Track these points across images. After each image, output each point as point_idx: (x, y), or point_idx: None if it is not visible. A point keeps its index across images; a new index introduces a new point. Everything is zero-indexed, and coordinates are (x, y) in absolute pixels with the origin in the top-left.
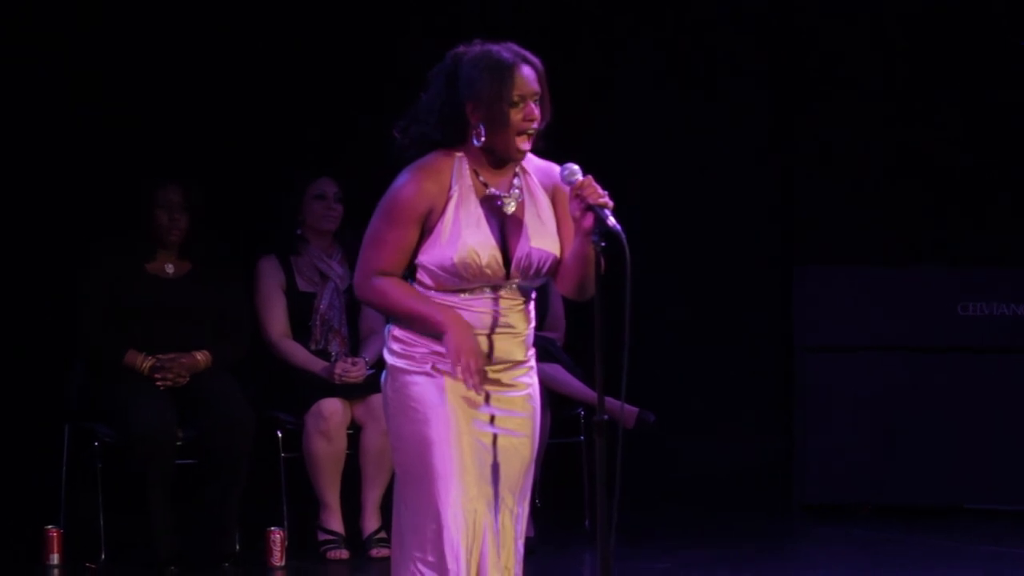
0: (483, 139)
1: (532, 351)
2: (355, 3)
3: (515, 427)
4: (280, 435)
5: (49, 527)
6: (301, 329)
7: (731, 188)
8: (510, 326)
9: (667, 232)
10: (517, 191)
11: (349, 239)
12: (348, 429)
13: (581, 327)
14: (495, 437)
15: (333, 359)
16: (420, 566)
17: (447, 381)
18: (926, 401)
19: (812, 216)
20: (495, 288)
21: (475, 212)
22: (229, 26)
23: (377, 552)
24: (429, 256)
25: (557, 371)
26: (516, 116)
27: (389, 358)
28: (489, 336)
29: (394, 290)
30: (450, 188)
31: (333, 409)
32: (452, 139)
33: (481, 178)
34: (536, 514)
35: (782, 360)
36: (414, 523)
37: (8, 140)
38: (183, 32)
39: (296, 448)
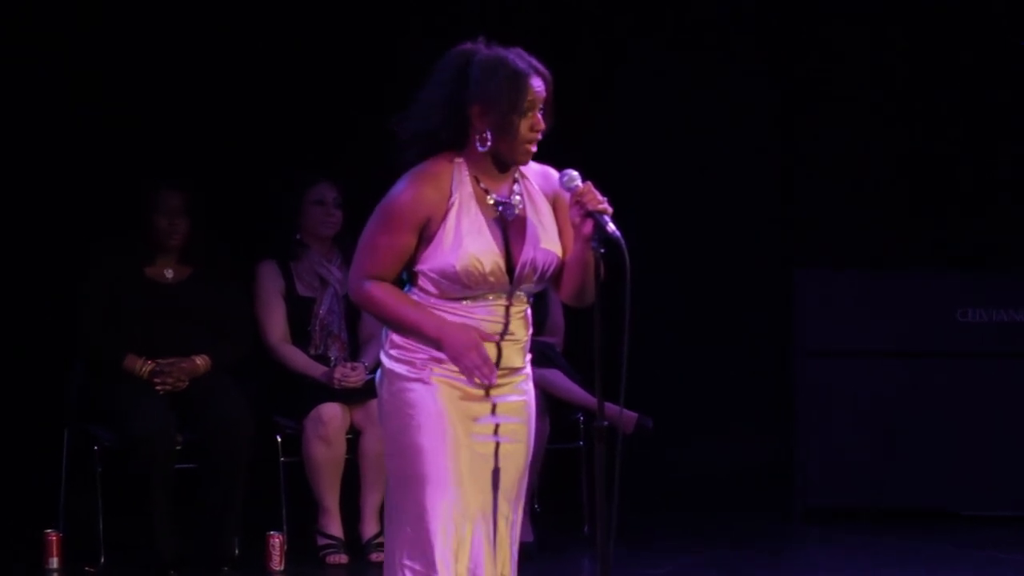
0: (488, 145)
1: (529, 357)
2: (355, 4)
3: (511, 434)
4: (280, 439)
5: (48, 530)
6: (300, 334)
7: (731, 190)
8: (511, 333)
9: (667, 234)
10: (518, 197)
11: (349, 244)
12: (347, 434)
13: (580, 333)
14: (497, 447)
15: (332, 364)
16: (408, 574)
17: (445, 389)
18: (925, 405)
19: (812, 218)
20: (497, 295)
21: (477, 219)
22: (229, 27)
23: (376, 556)
24: (431, 264)
25: (556, 376)
26: (524, 126)
27: (387, 362)
28: (491, 343)
29: (386, 297)
30: (450, 195)
31: (332, 414)
32: (453, 139)
33: (482, 184)
34: (535, 519)
35: (782, 363)
36: (403, 530)
37: (8, 140)
38: (183, 33)
39: (296, 452)
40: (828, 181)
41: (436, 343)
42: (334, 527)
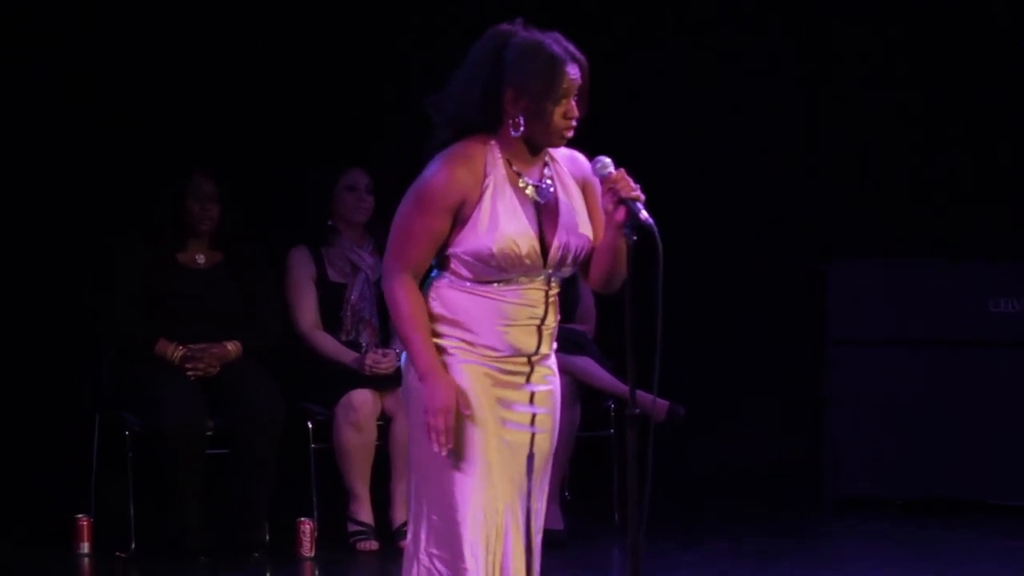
0: (521, 130)
1: (555, 344)
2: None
3: (540, 424)
4: (310, 426)
5: (80, 516)
6: (332, 320)
7: (762, 180)
8: (542, 318)
9: (699, 224)
10: (549, 180)
11: (380, 230)
12: (378, 420)
13: (612, 320)
14: (532, 437)
15: (364, 350)
16: (436, 562)
17: (474, 373)
18: (955, 395)
19: (843, 208)
20: (530, 279)
21: (511, 201)
22: (265, 14)
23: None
24: (465, 247)
25: (588, 364)
26: (558, 112)
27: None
28: (523, 330)
29: (407, 306)
30: (485, 177)
31: (363, 400)
32: (487, 122)
33: (514, 167)
34: (566, 507)
35: (812, 353)
36: (430, 518)
37: (39, 127)
38: (213, 22)
39: (326, 439)
40: (859, 171)
41: (419, 379)
42: (364, 513)
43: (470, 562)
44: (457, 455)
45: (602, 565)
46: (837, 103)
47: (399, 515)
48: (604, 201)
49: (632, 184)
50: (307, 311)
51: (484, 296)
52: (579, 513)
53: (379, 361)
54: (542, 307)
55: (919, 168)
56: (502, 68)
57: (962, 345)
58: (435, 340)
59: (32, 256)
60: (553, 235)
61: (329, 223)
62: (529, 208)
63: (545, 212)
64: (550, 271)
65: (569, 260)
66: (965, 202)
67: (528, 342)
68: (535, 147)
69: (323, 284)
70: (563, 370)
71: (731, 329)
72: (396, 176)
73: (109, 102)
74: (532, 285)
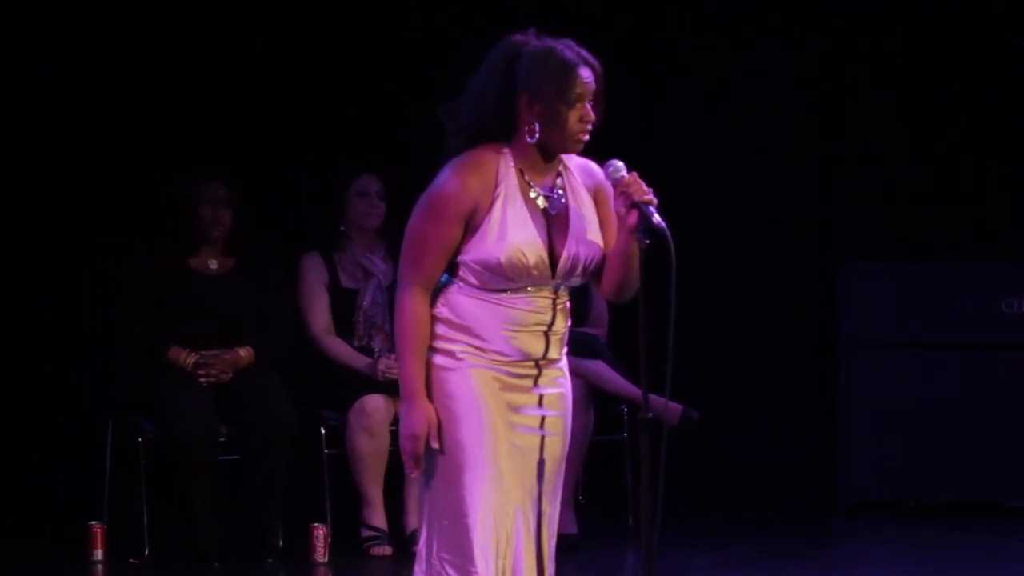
0: (537, 136)
1: (566, 349)
2: (381, 19)
3: (551, 427)
4: (323, 431)
5: (93, 523)
6: (344, 325)
7: (772, 183)
8: (551, 325)
9: (711, 228)
10: (561, 191)
11: (392, 235)
12: (391, 425)
13: (624, 324)
14: (543, 439)
15: (376, 355)
16: (447, 567)
17: (484, 379)
18: (969, 397)
19: (856, 211)
20: (539, 288)
21: (521, 211)
22: (273, 16)
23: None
24: (474, 255)
25: (601, 368)
26: (573, 117)
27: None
28: (532, 335)
29: (411, 327)
30: (496, 186)
31: (376, 405)
32: (501, 130)
33: (526, 177)
34: (580, 512)
35: (826, 356)
36: (441, 522)
37: (39, 127)
38: (221, 21)
39: (339, 444)
40: (871, 173)
41: (402, 399)
42: (378, 519)
43: (480, 566)
44: (467, 460)
45: (616, 569)
46: (848, 104)
47: (412, 520)
48: (616, 205)
49: (645, 187)
50: (319, 317)
51: (492, 303)
52: (593, 517)
53: (392, 366)
54: (550, 314)
55: (929, 169)
56: (515, 76)
57: (974, 347)
58: (445, 345)
59: (39, 259)
60: (563, 246)
61: (341, 229)
62: (539, 218)
63: (555, 222)
64: (559, 281)
65: (579, 271)
66: (975, 203)
67: (536, 346)
68: (550, 155)
69: (335, 290)
70: (576, 374)
71: (743, 332)
72: (408, 181)
73: (109, 102)
74: (540, 294)
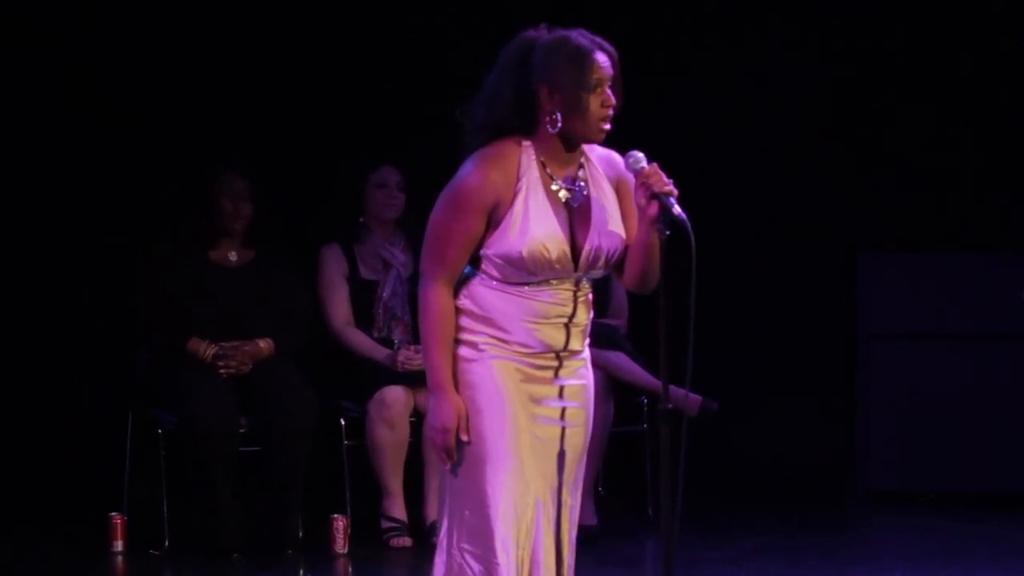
0: (559, 125)
1: (587, 341)
2: (382, 19)
3: (573, 419)
4: (343, 423)
5: (113, 514)
6: (364, 317)
7: (794, 173)
8: (574, 317)
9: (731, 217)
10: (583, 182)
11: (412, 227)
12: (411, 417)
13: (644, 315)
14: (563, 430)
15: (396, 347)
16: (468, 557)
17: (506, 370)
18: (989, 387)
19: (875, 201)
20: (561, 280)
21: (543, 204)
22: (277, 17)
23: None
24: (496, 248)
25: (621, 359)
26: (594, 102)
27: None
28: (553, 327)
29: (435, 317)
30: (518, 179)
31: (396, 397)
32: (523, 125)
33: (548, 170)
34: (599, 503)
35: (846, 346)
36: (462, 513)
37: (39, 127)
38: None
39: (359, 436)
40: (890, 163)
41: (429, 391)
42: (397, 510)
43: (501, 556)
44: (489, 451)
45: (636, 560)
46: (866, 96)
47: (432, 511)
48: (637, 196)
49: (665, 179)
50: (339, 308)
51: (515, 295)
52: (613, 508)
53: (411, 358)
54: (571, 306)
55: (946, 159)
56: (531, 68)
57: (995, 338)
58: (468, 336)
59: (39, 259)
60: (585, 238)
61: (360, 220)
62: (561, 211)
63: (577, 215)
64: (581, 273)
65: (601, 263)
66: (996, 192)
67: (557, 338)
68: (572, 145)
69: (355, 281)
70: (596, 365)
71: (761, 324)
72: (428, 173)
73: (109, 102)
74: (563, 286)
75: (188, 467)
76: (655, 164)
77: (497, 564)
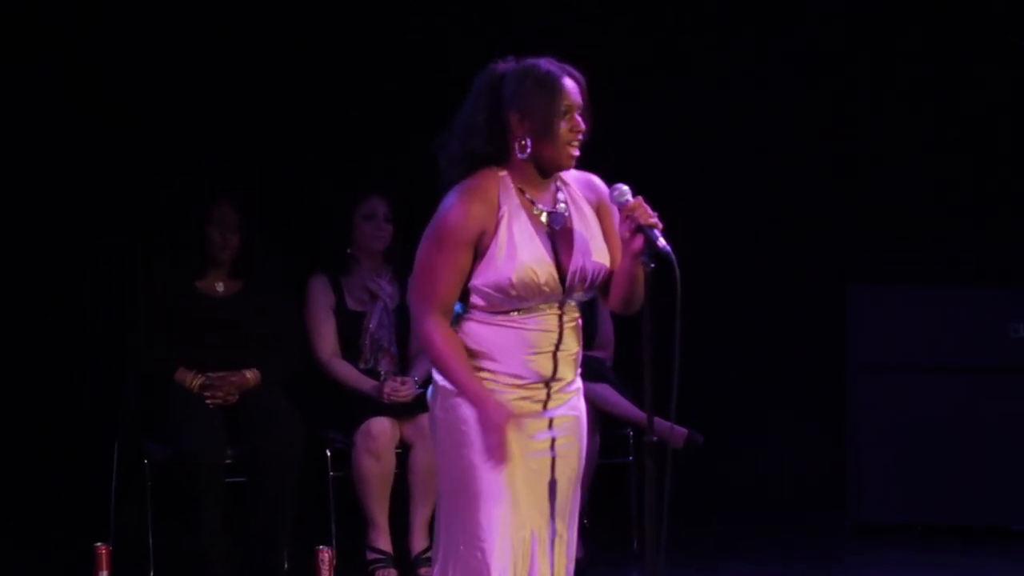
0: (528, 151)
1: (579, 370)
2: (407, 19)
3: (565, 449)
4: (329, 454)
5: (98, 544)
6: (351, 348)
7: (785, 203)
8: (561, 344)
9: (720, 248)
10: (563, 205)
11: (399, 258)
12: (397, 448)
13: (630, 347)
14: (553, 461)
15: (382, 378)
16: None
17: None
18: (977, 420)
19: (865, 233)
20: (549, 305)
21: (527, 229)
22: (276, 20)
23: (425, 571)
24: (484, 278)
25: (606, 391)
26: (564, 128)
27: (439, 378)
28: (544, 356)
29: (444, 347)
30: (499, 208)
31: (382, 428)
32: (496, 152)
33: (527, 195)
34: (585, 535)
35: (834, 377)
36: (457, 548)
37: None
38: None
39: (345, 467)
40: (881, 195)
41: (473, 407)
42: (383, 542)
43: None
44: (483, 486)
45: None
46: (852, 127)
47: (418, 543)
48: (622, 229)
49: (650, 212)
50: (326, 339)
51: (506, 326)
52: (598, 540)
53: (397, 389)
54: (557, 332)
55: (936, 191)
56: (501, 97)
57: (981, 371)
58: None
59: (50, 255)
60: (569, 260)
61: (348, 251)
62: (544, 235)
63: (560, 238)
64: (569, 296)
65: (586, 285)
66: (986, 226)
67: (547, 366)
68: (545, 170)
69: (342, 313)
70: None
71: (749, 354)
72: (416, 203)
73: (109, 102)
74: (550, 311)
75: (175, 497)
76: (640, 197)
77: None
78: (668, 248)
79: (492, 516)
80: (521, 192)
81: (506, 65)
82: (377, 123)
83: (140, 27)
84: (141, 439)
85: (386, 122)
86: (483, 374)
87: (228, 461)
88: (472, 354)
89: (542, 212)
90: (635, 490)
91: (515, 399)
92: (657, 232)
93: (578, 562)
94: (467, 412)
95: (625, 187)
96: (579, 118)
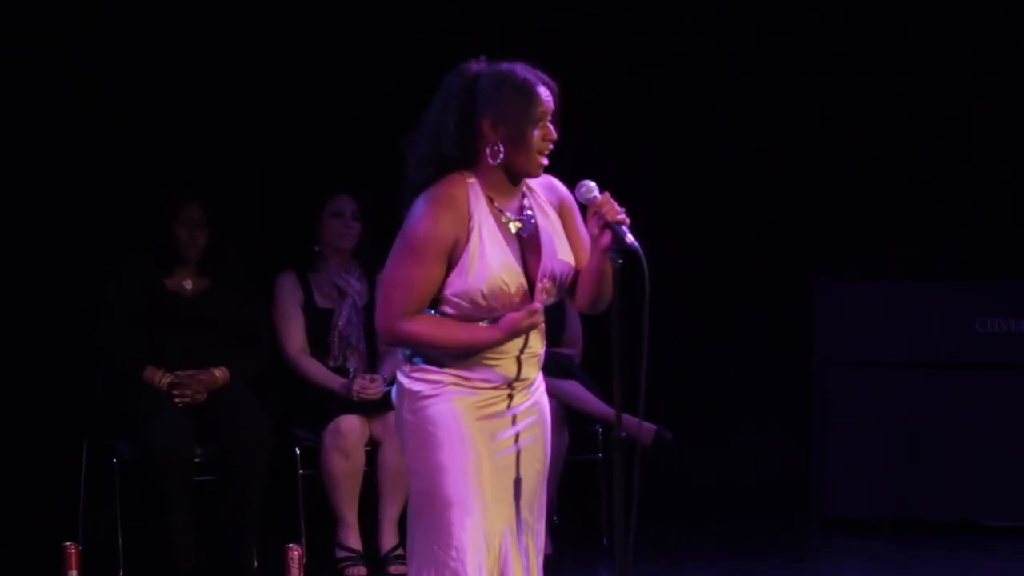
0: (501, 157)
1: (540, 367)
2: (382, 17)
3: (528, 441)
4: (298, 452)
5: (67, 543)
6: (319, 345)
7: (754, 199)
8: (529, 347)
9: (687, 243)
10: (529, 211)
11: (367, 256)
12: (366, 446)
13: (599, 343)
14: (518, 455)
15: (351, 376)
16: None
17: (465, 407)
18: (945, 416)
19: (833, 229)
20: (516, 311)
21: (496, 238)
22: (254, 38)
23: (395, 569)
24: (455, 288)
25: (575, 388)
26: (537, 136)
27: (405, 381)
28: (509, 360)
29: (430, 328)
30: (470, 218)
31: (351, 426)
32: (463, 156)
33: (496, 204)
34: (554, 531)
35: (802, 373)
36: (431, 549)
37: (51, 130)
38: (203, 45)
39: (314, 465)
40: (849, 192)
41: (497, 344)
42: (353, 539)
43: None
44: (453, 489)
45: None
46: (827, 127)
47: (387, 541)
48: (590, 225)
49: (617, 208)
50: (294, 337)
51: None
52: (568, 537)
53: (366, 387)
54: (523, 337)
55: (905, 189)
56: (475, 100)
57: (950, 366)
58: (428, 376)
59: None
60: (537, 266)
61: (316, 249)
62: (513, 243)
63: (528, 244)
64: (539, 301)
65: (554, 289)
66: (953, 223)
67: (511, 369)
68: (514, 177)
69: (310, 310)
70: (550, 394)
71: (718, 350)
72: (384, 200)
73: (109, 102)
74: None
75: (144, 496)
76: (607, 193)
77: None
78: (636, 244)
79: (464, 517)
80: (490, 200)
81: (479, 66)
82: (377, 123)
83: (140, 27)
84: (110, 438)
85: (386, 122)
86: (451, 378)
87: (197, 460)
88: (440, 358)
89: (510, 220)
90: (604, 486)
91: (479, 400)
92: (625, 228)
93: (547, 558)
94: (434, 413)
95: (592, 183)
96: (551, 126)
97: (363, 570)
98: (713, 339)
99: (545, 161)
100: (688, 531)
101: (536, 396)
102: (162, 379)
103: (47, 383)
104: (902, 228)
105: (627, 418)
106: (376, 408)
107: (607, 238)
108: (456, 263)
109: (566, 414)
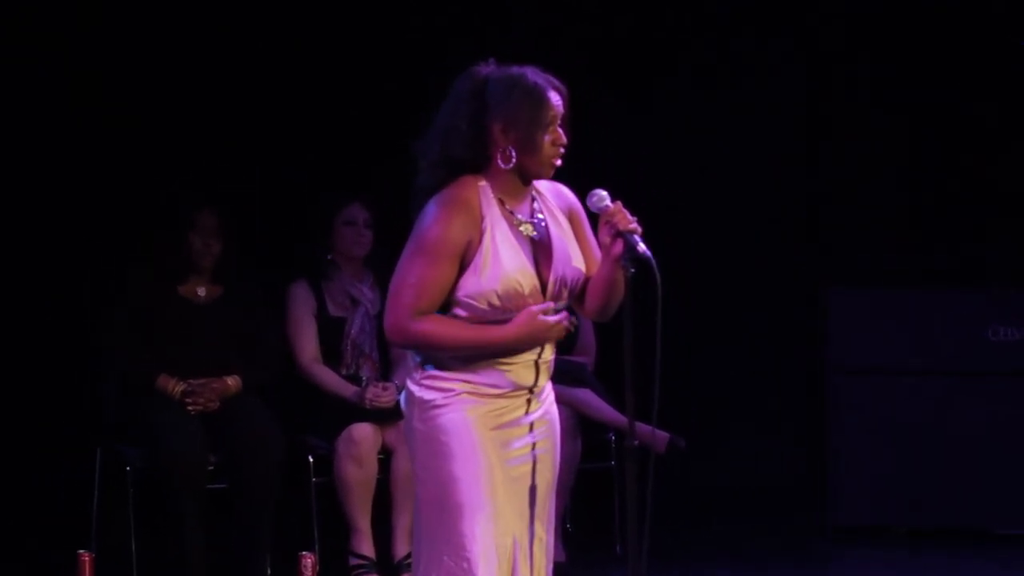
0: (513, 161)
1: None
2: (390, 23)
3: (541, 452)
4: (311, 460)
5: (81, 551)
6: (332, 354)
7: (765, 207)
8: (543, 353)
9: (699, 251)
10: (540, 215)
11: (380, 264)
12: (379, 454)
13: (611, 352)
14: (534, 465)
15: (364, 384)
16: None
17: (478, 415)
18: (956, 423)
19: (844, 236)
20: None
21: (509, 240)
22: (250, 40)
23: None
24: (468, 290)
25: (588, 396)
26: (547, 140)
27: (416, 389)
28: (524, 366)
29: (443, 329)
30: (482, 219)
31: (364, 434)
32: (474, 160)
33: (507, 206)
34: (567, 539)
35: (814, 381)
36: (441, 559)
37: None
38: (203, 44)
39: (327, 473)
40: (861, 198)
41: (514, 346)
42: (366, 547)
43: None
44: (464, 497)
45: None
46: (837, 131)
47: (400, 548)
48: (601, 234)
49: (629, 216)
50: (307, 345)
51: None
52: (581, 545)
53: (379, 395)
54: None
55: (916, 195)
56: (486, 104)
57: (961, 374)
58: (440, 383)
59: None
60: (549, 269)
61: (328, 257)
62: (526, 245)
63: (540, 247)
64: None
65: (567, 292)
66: (965, 230)
67: (527, 376)
68: (524, 180)
69: (323, 318)
70: (563, 402)
71: (729, 358)
72: (396, 209)
73: (109, 102)
74: None
75: (157, 504)
76: (619, 202)
77: None
78: (648, 253)
79: (476, 526)
80: (501, 203)
81: (488, 69)
82: (377, 123)
83: (140, 27)
84: (123, 446)
85: (386, 122)
86: (463, 386)
87: (210, 468)
88: (451, 365)
89: (522, 223)
90: (617, 495)
91: (493, 409)
92: (637, 237)
93: (560, 566)
94: (445, 422)
95: (603, 192)
96: (561, 130)
97: None
98: (713, 340)
99: (558, 163)
100: (699, 538)
101: (547, 405)
102: (175, 387)
103: (61, 391)
104: (914, 235)
105: (640, 426)
106: (389, 416)
107: (619, 247)
108: (468, 265)
109: (579, 422)
